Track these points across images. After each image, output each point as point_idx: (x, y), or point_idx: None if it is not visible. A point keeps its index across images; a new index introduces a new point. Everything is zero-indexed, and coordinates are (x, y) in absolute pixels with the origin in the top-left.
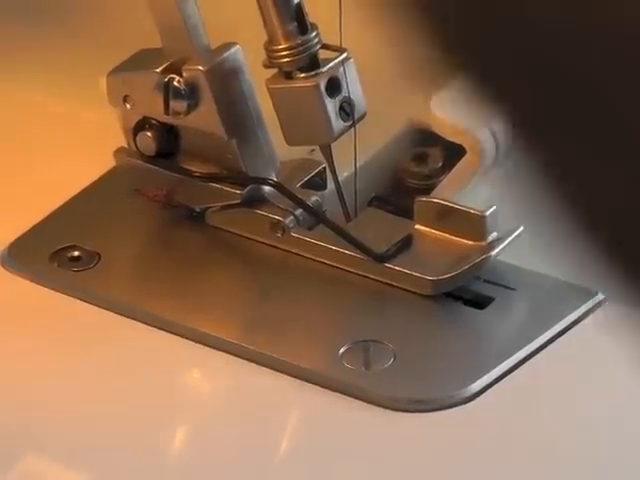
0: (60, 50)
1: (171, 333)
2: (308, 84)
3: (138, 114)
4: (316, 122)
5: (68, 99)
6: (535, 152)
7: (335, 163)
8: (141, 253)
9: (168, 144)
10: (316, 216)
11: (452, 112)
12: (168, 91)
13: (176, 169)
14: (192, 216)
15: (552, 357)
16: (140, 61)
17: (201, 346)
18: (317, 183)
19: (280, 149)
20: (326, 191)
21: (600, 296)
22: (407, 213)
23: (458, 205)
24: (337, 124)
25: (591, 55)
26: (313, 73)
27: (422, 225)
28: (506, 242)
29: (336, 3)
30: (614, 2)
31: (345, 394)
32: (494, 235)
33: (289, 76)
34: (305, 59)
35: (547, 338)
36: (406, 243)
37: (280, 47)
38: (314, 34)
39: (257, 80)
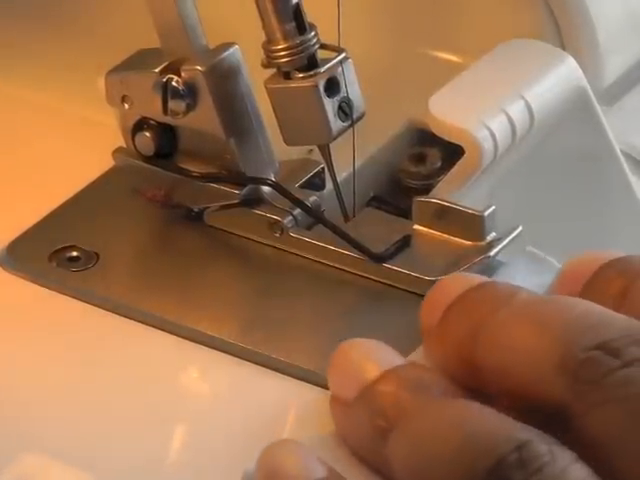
0: (59, 50)
1: (169, 333)
2: (307, 84)
3: (136, 114)
4: (315, 122)
5: (67, 99)
6: None
7: (334, 163)
8: (140, 253)
9: (167, 144)
10: (314, 216)
11: (450, 112)
12: (166, 91)
13: (175, 169)
14: (191, 216)
15: None
16: (138, 61)
17: (199, 346)
18: (316, 183)
19: (278, 149)
20: (325, 191)
21: None
22: (406, 213)
23: (457, 205)
24: (336, 124)
25: None
26: (312, 73)
27: (421, 225)
28: (505, 242)
29: (334, 3)
30: None
31: None
32: (493, 235)
33: (287, 76)
34: (303, 59)
35: None
36: (405, 243)
37: (278, 47)
38: (312, 34)
39: (256, 80)
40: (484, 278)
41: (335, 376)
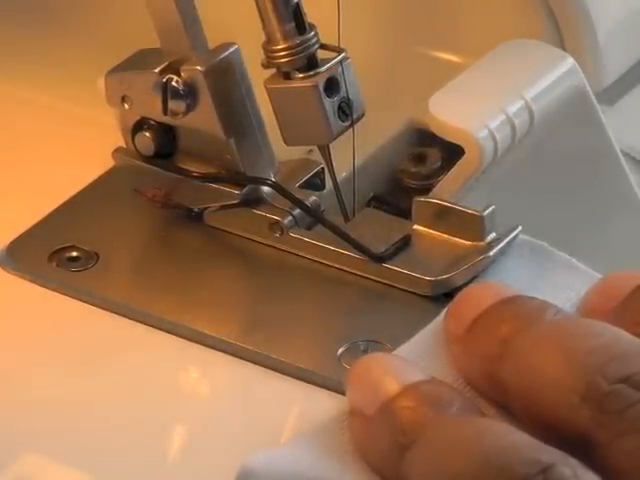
0: (59, 50)
1: (169, 333)
2: (307, 84)
3: (136, 114)
4: (314, 122)
5: (67, 99)
6: None
7: (334, 163)
8: (139, 253)
9: (166, 144)
10: (314, 216)
11: (450, 112)
12: (166, 91)
13: (175, 169)
14: (191, 216)
15: None
16: (138, 61)
17: (199, 346)
18: (315, 183)
19: (278, 149)
20: (324, 191)
21: None
22: (406, 213)
23: (456, 205)
24: (335, 124)
25: None
26: (312, 73)
27: (420, 225)
28: (504, 242)
29: (334, 3)
30: None
31: (343, 394)
32: (493, 235)
33: (287, 76)
34: (303, 59)
35: None
36: (404, 243)
37: (278, 47)
38: (312, 34)
39: (256, 80)
40: (512, 290)
41: (355, 390)
